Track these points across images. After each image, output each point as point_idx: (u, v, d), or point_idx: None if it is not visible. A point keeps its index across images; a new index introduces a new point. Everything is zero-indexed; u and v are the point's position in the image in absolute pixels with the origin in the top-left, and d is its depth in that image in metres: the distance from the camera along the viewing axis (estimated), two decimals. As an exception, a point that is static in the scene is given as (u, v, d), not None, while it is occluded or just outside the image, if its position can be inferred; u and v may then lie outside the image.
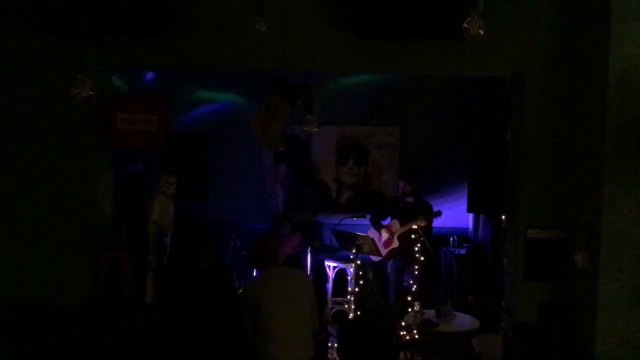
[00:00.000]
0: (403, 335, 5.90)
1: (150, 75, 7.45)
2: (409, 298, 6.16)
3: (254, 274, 7.10)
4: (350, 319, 6.12)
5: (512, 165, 4.66)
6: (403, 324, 5.97)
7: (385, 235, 6.82)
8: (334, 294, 7.27)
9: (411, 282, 6.36)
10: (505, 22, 4.27)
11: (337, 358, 5.62)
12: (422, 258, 6.38)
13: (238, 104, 7.94)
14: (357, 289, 6.30)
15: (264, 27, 3.68)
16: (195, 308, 4.15)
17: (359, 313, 6.22)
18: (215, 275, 4.71)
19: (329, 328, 6.35)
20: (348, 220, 6.99)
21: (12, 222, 4.54)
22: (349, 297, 6.48)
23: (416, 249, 6.37)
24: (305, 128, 3.84)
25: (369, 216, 7.02)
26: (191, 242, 5.02)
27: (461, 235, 7.74)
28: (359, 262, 6.37)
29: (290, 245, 7.28)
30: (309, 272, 7.33)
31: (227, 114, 7.93)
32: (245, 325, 3.90)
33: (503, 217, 5.62)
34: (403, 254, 6.71)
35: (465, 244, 7.57)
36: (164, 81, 7.44)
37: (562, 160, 4.33)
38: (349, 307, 6.31)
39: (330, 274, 7.52)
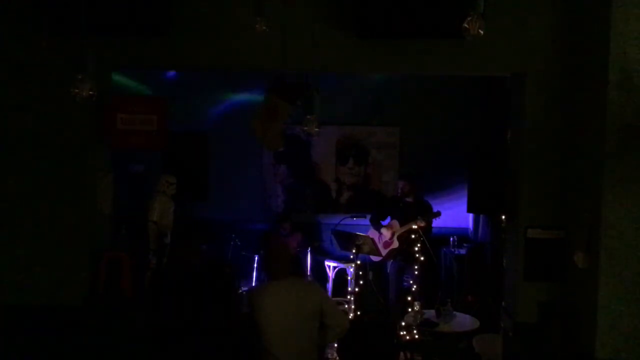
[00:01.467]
0: (403, 335, 5.91)
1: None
2: (409, 298, 6.16)
3: (254, 274, 7.15)
4: (350, 319, 6.12)
5: (512, 165, 4.66)
6: (403, 324, 5.97)
7: (385, 235, 6.82)
8: (334, 294, 7.28)
9: (411, 282, 6.36)
10: (505, 22, 4.27)
11: (337, 358, 5.63)
12: (422, 258, 6.38)
13: (238, 104, 7.94)
14: (357, 289, 6.30)
15: (264, 27, 3.68)
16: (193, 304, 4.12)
17: (359, 313, 6.22)
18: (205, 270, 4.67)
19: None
20: (348, 220, 6.99)
21: (12, 222, 4.53)
22: (349, 297, 6.48)
23: (416, 249, 6.37)
24: (305, 128, 3.83)
25: (369, 216, 7.02)
26: (181, 242, 5.06)
27: (461, 235, 7.74)
28: (359, 262, 6.37)
29: (290, 246, 7.28)
30: (309, 272, 7.34)
31: (227, 113, 7.94)
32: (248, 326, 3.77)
33: (503, 217, 5.62)
34: (403, 254, 6.71)
35: (465, 244, 7.58)
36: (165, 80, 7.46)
37: (562, 161, 4.32)
38: (349, 307, 6.31)
39: (330, 274, 7.53)
